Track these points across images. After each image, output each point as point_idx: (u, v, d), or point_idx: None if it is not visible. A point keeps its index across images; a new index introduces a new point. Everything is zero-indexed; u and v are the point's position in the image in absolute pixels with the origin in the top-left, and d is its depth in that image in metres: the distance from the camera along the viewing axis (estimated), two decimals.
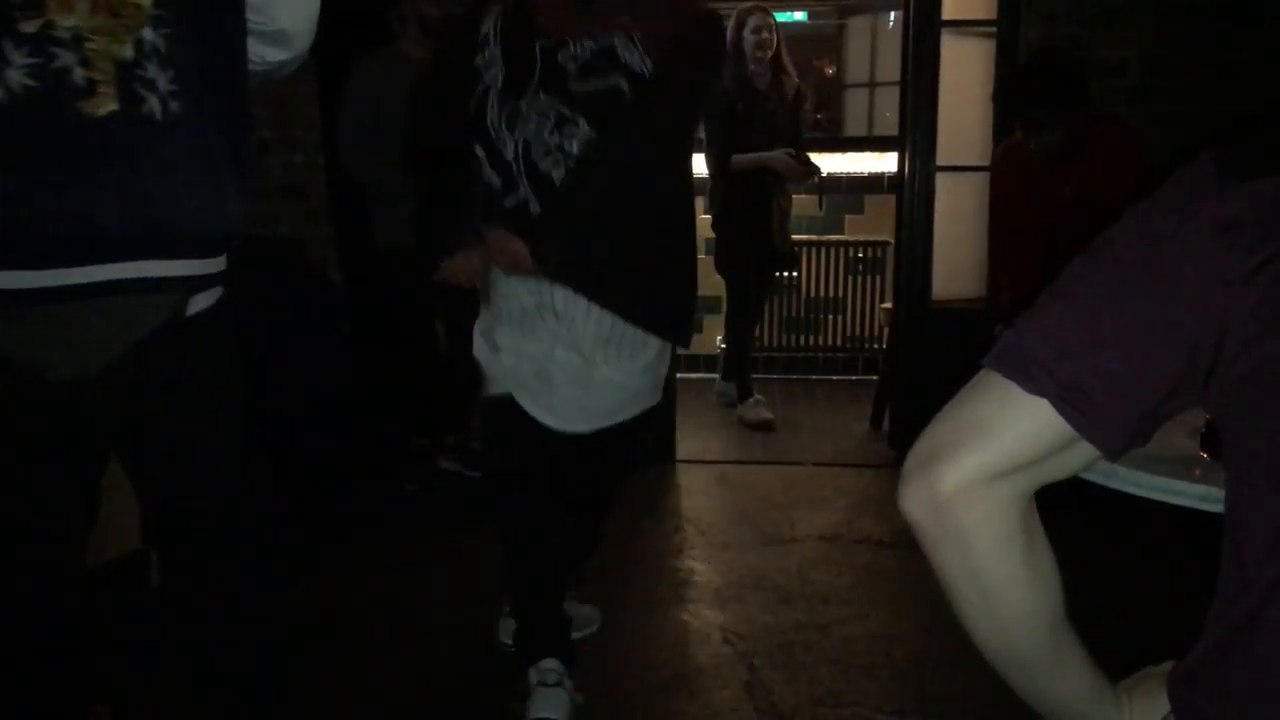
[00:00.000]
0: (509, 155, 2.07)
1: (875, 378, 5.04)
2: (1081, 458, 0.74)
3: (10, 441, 1.42)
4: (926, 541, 0.76)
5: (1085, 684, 0.82)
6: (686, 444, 4.30)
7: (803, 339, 5.69)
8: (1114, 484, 1.41)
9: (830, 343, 5.75)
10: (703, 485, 3.94)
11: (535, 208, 2.07)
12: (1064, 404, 0.71)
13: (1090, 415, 0.71)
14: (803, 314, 5.67)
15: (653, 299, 2.18)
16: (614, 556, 3.23)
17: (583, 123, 2.04)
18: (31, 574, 1.49)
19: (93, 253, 1.34)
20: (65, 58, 1.31)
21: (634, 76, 2.03)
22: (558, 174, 2.05)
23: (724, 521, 3.54)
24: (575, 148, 2.04)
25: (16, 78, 1.28)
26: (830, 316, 5.72)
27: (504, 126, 2.06)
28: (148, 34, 1.36)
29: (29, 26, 1.29)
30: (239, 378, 1.59)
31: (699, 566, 3.16)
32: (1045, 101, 3.01)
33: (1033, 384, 0.72)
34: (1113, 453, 0.73)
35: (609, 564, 3.15)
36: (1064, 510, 1.12)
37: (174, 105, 1.38)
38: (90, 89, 1.32)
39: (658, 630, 2.74)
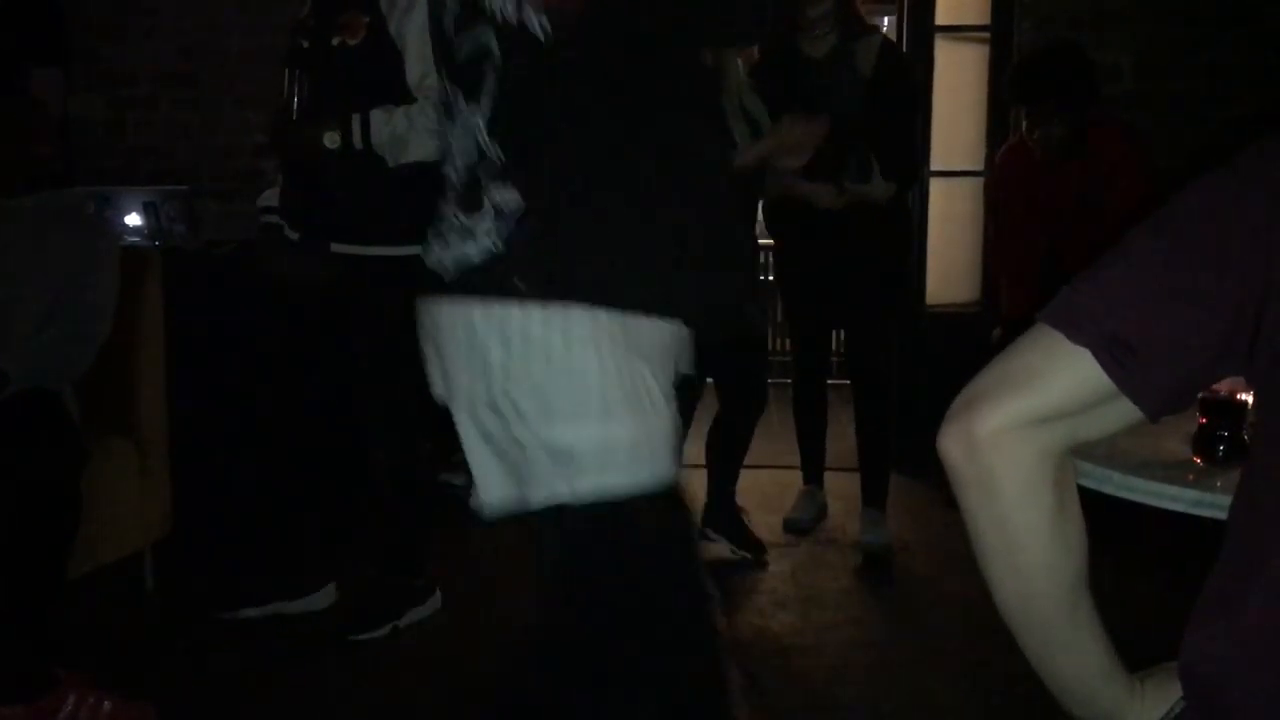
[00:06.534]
0: None
1: None
2: (1119, 417, 0.75)
3: None
4: (958, 483, 0.78)
5: (1099, 659, 0.83)
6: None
7: None
8: (1107, 489, 1.41)
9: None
10: (697, 490, 3.93)
11: None
12: (1106, 355, 0.72)
13: (1131, 370, 0.72)
14: None
15: None
16: None
17: None
18: None
19: None
20: None
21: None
22: None
23: None
24: None
25: None
26: None
27: None
28: None
29: None
30: None
31: None
32: (1053, 92, 3.00)
33: (1078, 335, 0.73)
34: (1151, 410, 0.74)
35: None
36: None
37: None
38: None
39: None
